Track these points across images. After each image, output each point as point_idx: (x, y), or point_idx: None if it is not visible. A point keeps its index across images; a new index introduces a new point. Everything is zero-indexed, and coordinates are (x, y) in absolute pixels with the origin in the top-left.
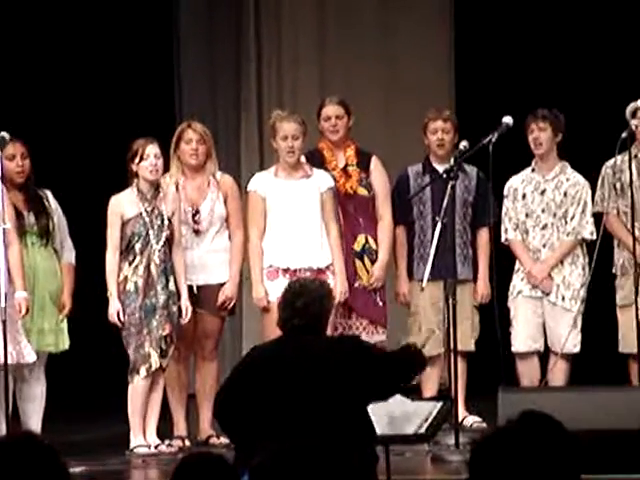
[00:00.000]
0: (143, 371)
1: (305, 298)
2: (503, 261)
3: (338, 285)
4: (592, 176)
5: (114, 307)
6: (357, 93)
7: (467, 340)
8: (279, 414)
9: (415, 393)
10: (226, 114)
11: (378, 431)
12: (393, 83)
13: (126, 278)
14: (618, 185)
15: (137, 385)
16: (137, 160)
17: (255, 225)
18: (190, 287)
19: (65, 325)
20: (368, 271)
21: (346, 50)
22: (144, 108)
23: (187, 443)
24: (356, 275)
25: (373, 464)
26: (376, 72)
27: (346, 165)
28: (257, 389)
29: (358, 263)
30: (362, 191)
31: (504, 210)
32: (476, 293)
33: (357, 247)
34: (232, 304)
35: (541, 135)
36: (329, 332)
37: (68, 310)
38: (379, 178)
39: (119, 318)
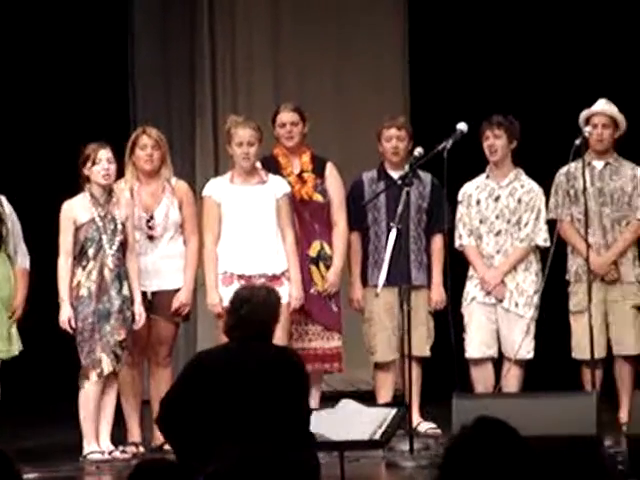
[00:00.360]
0: (94, 376)
1: (251, 306)
2: (457, 267)
3: (294, 291)
4: (546, 183)
5: (65, 313)
6: (311, 95)
7: (422, 346)
8: (227, 420)
9: (370, 399)
10: (181, 119)
11: (332, 437)
12: (348, 85)
13: (79, 283)
14: (572, 192)
15: (88, 390)
16: (89, 164)
17: (210, 231)
18: (144, 293)
19: (15, 330)
20: (323, 277)
21: (300, 47)
22: (99, 113)
23: (141, 449)
24: (311, 281)
25: (317, 470)
26: (330, 72)
27: (301, 171)
28: (203, 395)
29: (313, 269)
30: (317, 197)
31: (458, 216)
32: (431, 299)
33: (312, 253)
34: (186, 310)
35: (496, 142)
36: (285, 339)
37: (18, 315)
38: (334, 184)
39: (70, 324)
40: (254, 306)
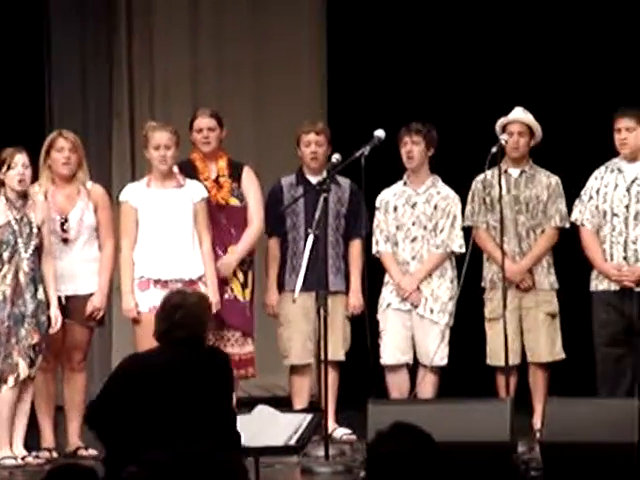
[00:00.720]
0: (11, 381)
1: (184, 311)
2: (375, 273)
3: (210, 296)
4: (463, 190)
5: None
6: (229, 91)
7: (337, 350)
8: (158, 424)
9: (286, 405)
10: (97, 122)
11: (248, 443)
12: (265, 88)
13: None
14: (488, 200)
15: (4, 395)
16: (4, 169)
17: (127, 236)
18: (59, 297)
19: None
20: (240, 283)
21: (219, 42)
22: (13, 116)
23: (55, 455)
24: (227, 286)
25: (245, 471)
26: (248, 69)
27: (218, 176)
28: (133, 399)
29: (229, 274)
30: (234, 202)
31: (375, 222)
32: (348, 304)
33: None
34: (100, 315)
35: (414, 149)
36: None
37: None
38: (250, 187)
39: None
40: (187, 311)
